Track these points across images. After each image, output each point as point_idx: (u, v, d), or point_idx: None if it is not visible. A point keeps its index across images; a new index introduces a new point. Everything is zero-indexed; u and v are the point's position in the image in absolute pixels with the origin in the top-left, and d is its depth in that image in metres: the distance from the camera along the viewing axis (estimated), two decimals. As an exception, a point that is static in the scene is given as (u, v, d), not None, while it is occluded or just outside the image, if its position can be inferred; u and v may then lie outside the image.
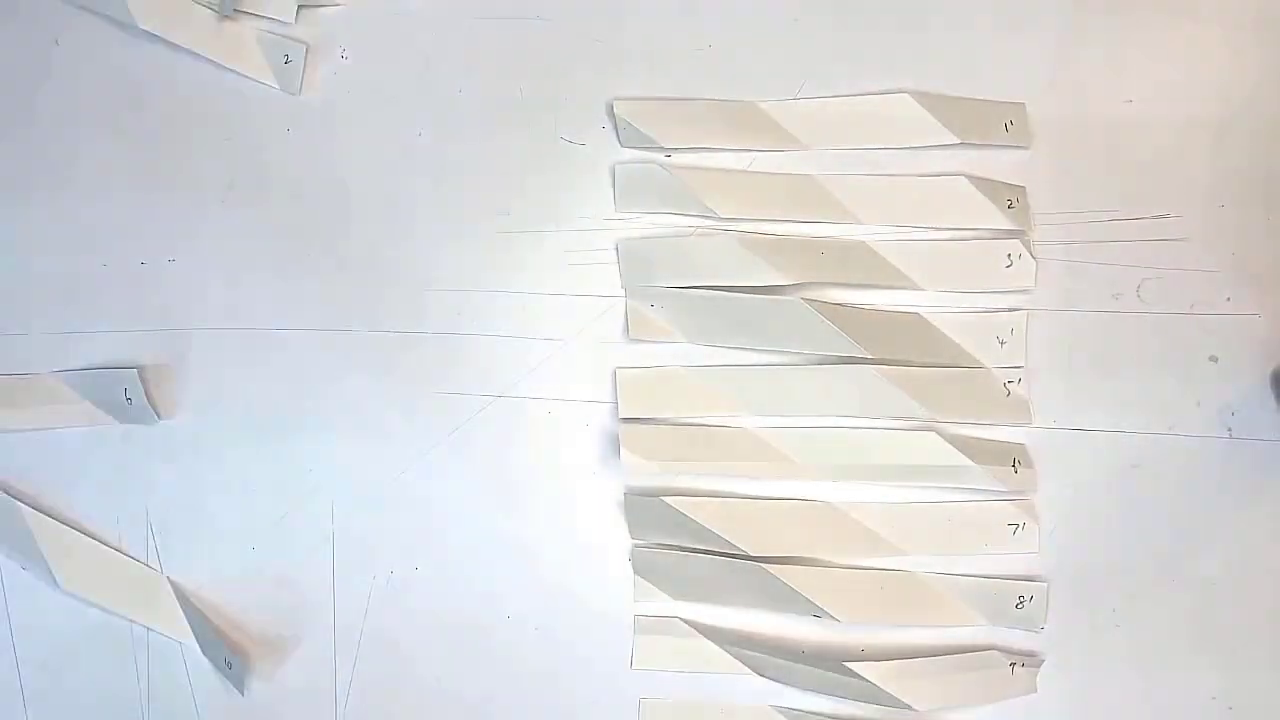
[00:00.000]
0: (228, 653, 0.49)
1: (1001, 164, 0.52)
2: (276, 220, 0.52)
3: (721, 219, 0.51)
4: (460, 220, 0.52)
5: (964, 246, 0.52)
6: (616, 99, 0.52)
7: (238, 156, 0.52)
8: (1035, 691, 0.50)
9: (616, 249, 0.51)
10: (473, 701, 0.50)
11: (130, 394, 0.50)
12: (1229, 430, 0.52)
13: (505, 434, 0.51)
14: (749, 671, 0.50)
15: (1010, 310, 0.51)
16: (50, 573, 0.50)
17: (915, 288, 0.51)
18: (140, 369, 0.50)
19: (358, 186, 0.52)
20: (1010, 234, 0.52)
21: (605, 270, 0.52)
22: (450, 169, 0.52)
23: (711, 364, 0.51)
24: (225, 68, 0.51)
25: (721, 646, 0.50)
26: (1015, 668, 0.50)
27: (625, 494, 0.51)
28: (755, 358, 0.51)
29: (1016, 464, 0.51)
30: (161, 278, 0.51)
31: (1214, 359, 0.52)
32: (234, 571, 0.51)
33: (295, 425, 0.50)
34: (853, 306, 0.51)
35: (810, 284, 0.51)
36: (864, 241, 0.51)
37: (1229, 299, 0.52)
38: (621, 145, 0.52)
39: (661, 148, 0.52)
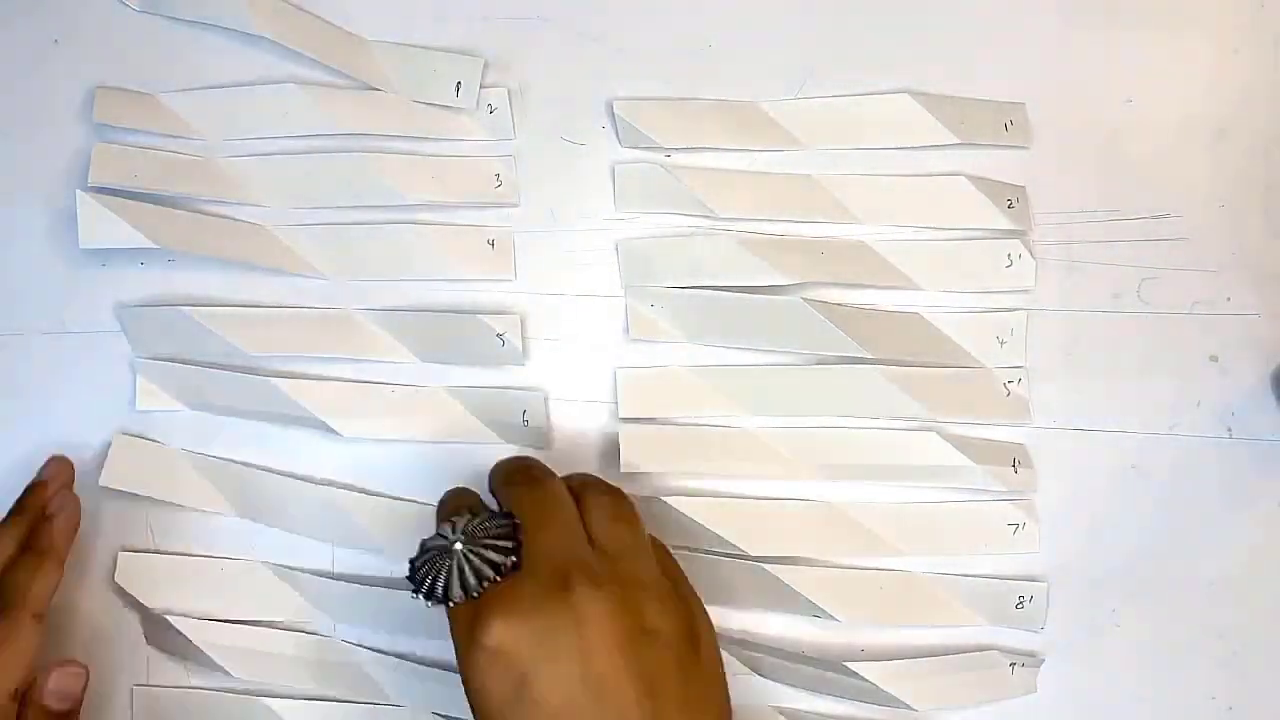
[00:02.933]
0: None
1: (1001, 164, 0.52)
2: (277, 218, 0.51)
3: (721, 219, 0.51)
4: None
5: (964, 246, 0.52)
6: (616, 99, 0.52)
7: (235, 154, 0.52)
8: (1035, 691, 0.50)
9: (616, 249, 0.51)
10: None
11: (529, 417, 0.50)
12: (1229, 430, 0.52)
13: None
14: (749, 671, 0.50)
15: (1010, 310, 0.52)
16: None
17: (915, 288, 0.51)
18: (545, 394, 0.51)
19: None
20: (1010, 234, 0.52)
21: (605, 270, 0.51)
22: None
23: (711, 364, 0.51)
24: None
25: (721, 647, 0.49)
26: (1015, 668, 0.50)
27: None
28: (755, 358, 0.51)
29: (1016, 464, 0.51)
30: (167, 276, 0.51)
31: (1214, 359, 0.52)
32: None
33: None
34: (853, 306, 0.51)
35: (810, 284, 0.51)
36: (864, 241, 0.51)
37: (1229, 299, 0.52)
38: (621, 145, 0.52)
39: (661, 148, 0.52)
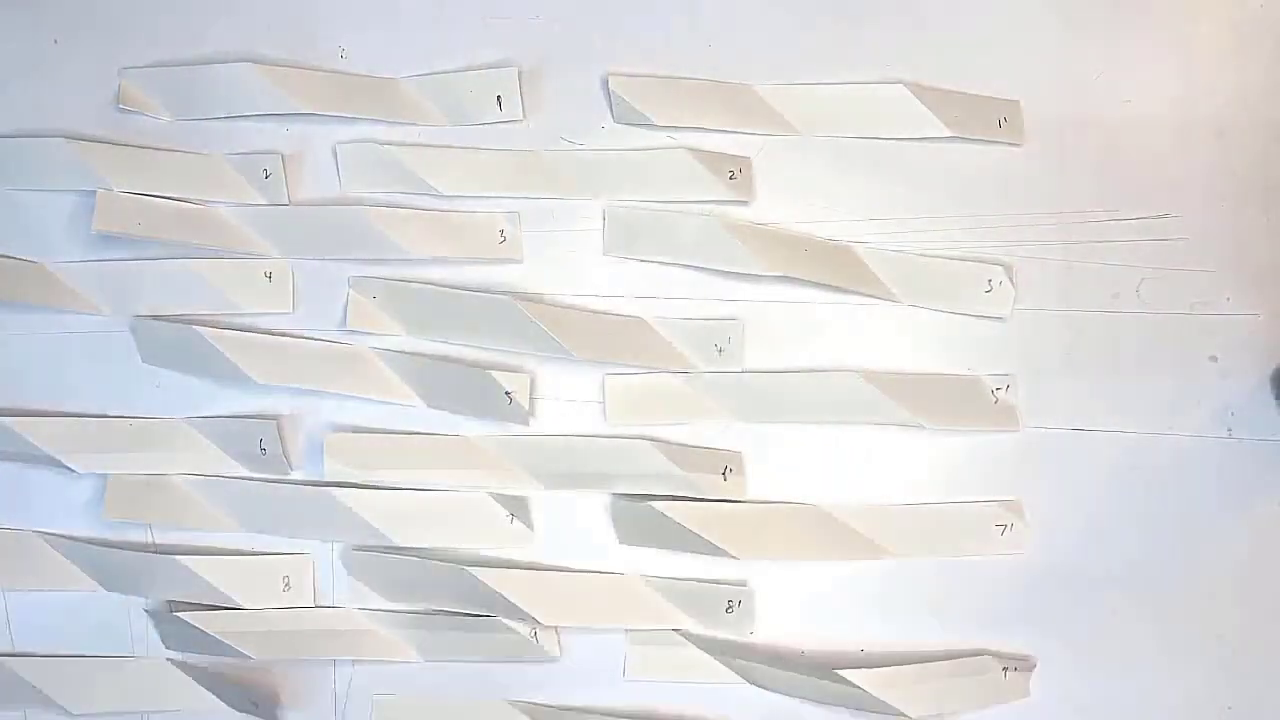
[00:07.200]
0: (251, 692, 0.50)
1: (998, 162, 0.52)
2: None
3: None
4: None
5: (947, 265, 0.51)
6: (611, 73, 0.52)
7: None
8: (1028, 696, 0.50)
9: (603, 215, 0.51)
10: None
11: (265, 445, 0.50)
12: (1229, 430, 0.51)
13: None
14: (741, 680, 0.50)
15: (997, 319, 0.51)
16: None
17: (892, 299, 0.51)
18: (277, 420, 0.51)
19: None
20: (984, 261, 0.51)
21: (606, 270, 0.52)
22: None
23: (702, 371, 0.51)
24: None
25: (714, 656, 0.50)
26: (1008, 672, 0.50)
27: (612, 500, 0.51)
28: (750, 363, 0.51)
29: (727, 472, 0.51)
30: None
31: (1214, 359, 0.52)
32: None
33: (297, 425, 0.51)
34: (575, 309, 0.51)
35: (788, 278, 0.51)
36: (850, 248, 0.51)
37: (1229, 299, 0.52)
38: (615, 120, 0.52)
39: (656, 125, 0.51)
